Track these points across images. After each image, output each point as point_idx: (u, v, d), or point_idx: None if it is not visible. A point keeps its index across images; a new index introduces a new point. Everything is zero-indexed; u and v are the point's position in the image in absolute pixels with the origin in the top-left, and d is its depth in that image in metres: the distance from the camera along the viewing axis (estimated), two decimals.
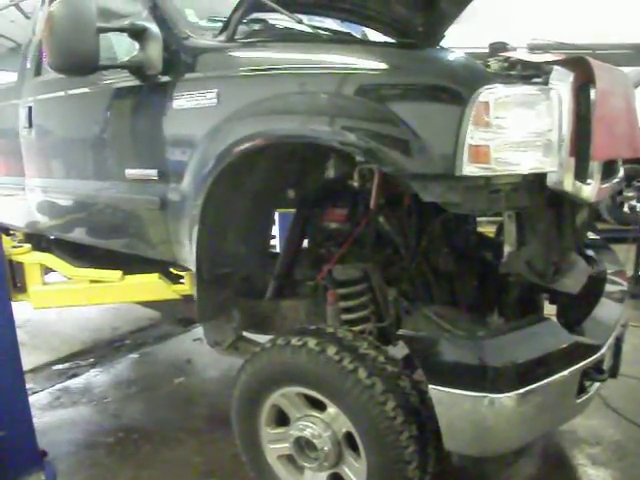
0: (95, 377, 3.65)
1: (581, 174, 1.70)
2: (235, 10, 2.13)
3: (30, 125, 2.99)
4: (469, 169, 1.56)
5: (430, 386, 1.73)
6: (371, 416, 1.83)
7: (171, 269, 2.51)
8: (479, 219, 2.84)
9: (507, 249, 1.95)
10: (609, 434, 2.78)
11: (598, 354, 1.87)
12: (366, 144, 1.69)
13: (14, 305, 2.58)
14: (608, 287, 2.33)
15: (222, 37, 2.19)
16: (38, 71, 3.05)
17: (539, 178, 1.67)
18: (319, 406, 2.02)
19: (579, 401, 1.89)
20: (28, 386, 3.23)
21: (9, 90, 3.24)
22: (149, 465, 2.67)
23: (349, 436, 1.96)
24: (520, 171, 1.62)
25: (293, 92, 1.86)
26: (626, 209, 7.24)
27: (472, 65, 1.65)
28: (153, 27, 2.19)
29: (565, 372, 1.76)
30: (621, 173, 2.33)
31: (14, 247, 3.04)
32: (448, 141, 1.57)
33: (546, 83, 1.62)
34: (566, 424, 2.72)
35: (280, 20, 2.47)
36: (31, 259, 2.99)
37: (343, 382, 1.87)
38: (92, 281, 2.83)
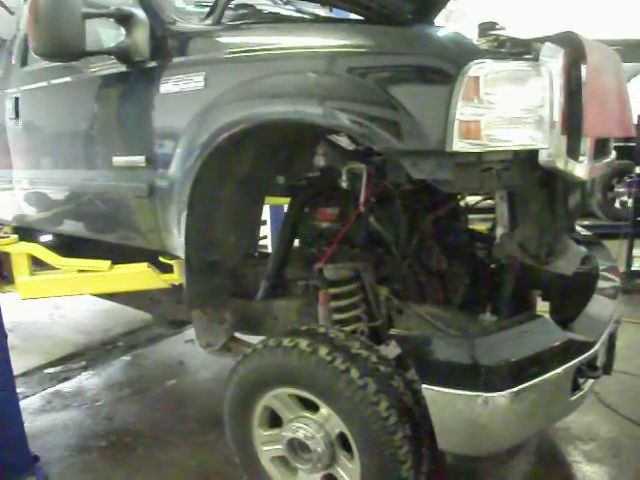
0: (87, 380, 3.62)
1: (573, 151, 1.68)
2: None
3: (17, 116, 2.95)
4: (460, 145, 1.55)
5: (423, 386, 1.72)
6: (364, 416, 1.82)
7: (160, 258, 2.48)
8: (471, 216, 2.84)
9: (500, 231, 1.94)
10: (604, 430, 2.78)
11: (591, 351, 1.87)
12: (355, 122, 1.67)
13: (3, 309, 2.55)
14: (601, 283, 2.33)
15: (208, 21, 2.18)
16: (24, 62, 3.01)
17: (531, 156, 1.65)
18: (312, 407, 2.01)
19: (573, 398, 1.88)
20: (19, 390, 3.22)
21: None
22: (142, 468, 2.65)
23: (342, 437, 1.95)
24: (511, 147, 1.61)
25: (281, 73, 1.85)
26: (617, 205, 7.27)
27: (462, 40, 1.64)
28: (139, 12, 2.17)
29: (559, 370, 1.75)
30: (613, 154, 2.31)
31: (0, 238, 3.00)
32: (438, 117, 1.55)
33: (536, 59, 1.61)
34: (561, 421, 2.73)
35: (267, 6, 2.45)
36: (18, 249, 2.95)
37: (335, 383, 1.85)
38: (80, 271, 2.79)
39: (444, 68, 1.56)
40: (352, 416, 1.86)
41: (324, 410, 1.95)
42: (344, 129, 1.77)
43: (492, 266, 2.60)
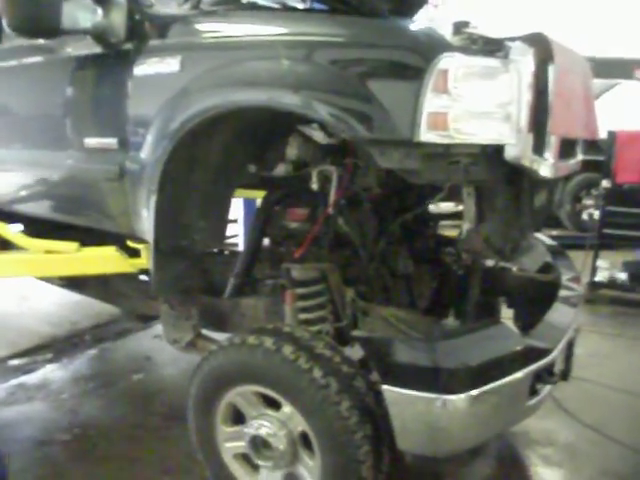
0: (52, 373, 3.58)
1: (539, 149, 1.73)
2: None
3: None
4: (427, 136, 1.59)
5: (384, 386, 1.75)
6: (325, 416, 1.84)
7: (128, 242, 2.47)
8: (442, 223, 2.89)
9: (466, 226, 1.99)
10: (562, 436, 2.84)
11: (549, 357, 1.92)
12: (327, 112, 1.70)
13: None
14: (563, 292, 2.38)
15: (186, 6, 2.19)
16: None
17: (497, 151, 1.69)
18: (275, 405, 2.02)
19: (531, 403, 1.93)
20: None
21: None
22: (104, 462, 2.64)
23: (304, 435, 1.97)
24: (478, 141, 1.66)
25: (256, 60, 1.87)
26: (585, 216, 7.45)
27: (433, 34, 1.69)
28: None
29: (517, 374, 1.80)
30: (579, 156, 2.36)
31: None
32: (407, 107, 1.59)
33: (506, 57, 1.66)
34: (520, 425, 2.79)
35: None
36: None
37: (298, 381, 1.87)
38: (47, 252, 2.77)
39: (415, 60, 1.61)
40: (314, 415, 1.88)
41: (287, 408, 1.97)
42: (316, 118, 1.79)
43: (459, 272, 2.66)
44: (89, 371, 3.63)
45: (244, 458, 2.17)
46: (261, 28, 1.96)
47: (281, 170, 2.38)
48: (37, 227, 3.05)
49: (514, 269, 2.67)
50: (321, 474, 1.93)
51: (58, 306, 4.75)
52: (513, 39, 1.70)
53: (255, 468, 2.15)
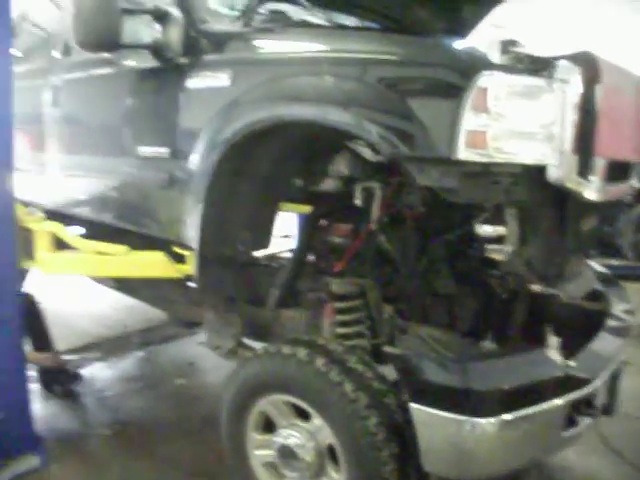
0: (99, 371, 3.69)
1: (584, 171, 1.68)
2: None
3: (55, 104, 3.08)
4: (465, 154, 1.58)
5: (411, 404, 1.73)
6: (353, 430, 1.84)
7: (175, 248, 2.54)
8: (489, 247, 2.83)
9: (508, 248, 1.95)
10: (605, 474, 2.72)
11: (588, 388, 1.85)
12: (371, 129, 1.71)
13: None
14: (610, 322, 2.30)
15: (239, 23, 2.25)
16: (66, 53, 3.13)
17: (540, 172, 1.66)
18: (305, 416, 2.03)
19: (567, 434, 1.87)
20: (34, 374, 3.31)
21: (35, 72, 3.35)
22: (139, 459, 2.71)
23: (331, 449, 1.97)
24: (520, 161, 1.63)
25: (302, 75, 1.91)
26: None
27: (475, 53, 1.69)
28: (175, 11, 2.26)
29: (551, 402, 1.75)
30: (634, 181, 2.27)
31: (27, 215, 3.11)
32: (446, 125, 1.59)
33: (551, 76, 1.63)
34: (562, 460, 2.69)
35: (298, 14, 2.51)
36: (42, 227, 3.05)
37: (328, 394, 1.88)
38: (98, 253, 2.87)
39: (454, 78, 1.61)
40: (341, 428, 1.88)
41: (316, 420, 1.98)
42: (362, 135, 1.79)
43: (503, 296, 2.60)
44: (134, 372, 3.74)
45: (272, 467, 2.18)
46: (309, 45, 2.00)
47: (330, 185, 2.41)
48: (97, 231, 3.19)
49: (561, 295, 2.59)
50: None
51: (113, 309, 4.89)
52: (559, 57, 1.67)
53: (282, 478, 2.16)
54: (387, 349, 1.89)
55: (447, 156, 1.59)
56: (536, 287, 2.49)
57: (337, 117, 1.78)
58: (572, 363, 1.96)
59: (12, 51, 2.54)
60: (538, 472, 2.68)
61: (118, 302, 4.76)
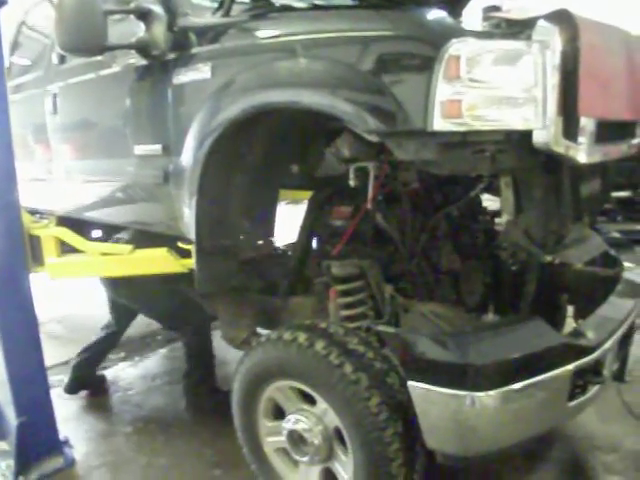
0: (123, 370, 3.77)
1: (571, 133, 1.62)
2: None
3: (55, 111, 3.12)
4: (441, 124, 1.53)
5: (409, 382, 1.72)
6: (355, 411, 1.84)
7: (179, 243, 2.57)
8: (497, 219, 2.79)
9: (505, 218, 1.91)
10: (628, 442, 2.65)
11: (593, 355, 1.82)
12: (346, 108, 1.69)
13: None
14: (621, 287, 2.25)
15: (218, 14, 2.24)
16: (62, 60, 3.17)
17: (527, 138, 1.59)
18: (312, 400, 2.04)
19: (572, 404, 1.83)
20: (58, 377, 3.40)
21: (35, 81, 3.41)
22: (162, 454, 2.76)
23: (339, 431, 1.97)
24: (502, 127, 1.57)
25: (277, 61, 1.90)
26: None
27: (445, 21, 1.63)
28: (157, 8, 2.26)
29: (552, 372, 1.72)
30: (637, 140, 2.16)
31: (33, 222, 3.21)
32: (420, 97, 1.55)
33: (529, 38, 1.57)
34: (583, 429, 2.66)
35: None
36: (47, 233, 3.13)
37: (329, 376, 1.88)
38: (103, 254, 2.94)
39: (425, 47, 1.57)
40: (344, 410, 1.88)
41: (322, 404, 1.98)
42: (337, 115, 1.76)
43: (513, 268, 2.56)
44: (157, 369, 3.80)
45: (284, 453, 2.20)
46: (283, 30, 1.98)
47: (331, 169, 2.40)
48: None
49: (575, 264, 2.54)
50: (354, 470, 1.93)
51: None
52: (536, 18, 1.61)
53: (296, 463, 2.17)
54: (381, 328, 1.87)
55: (423, 128, 1.55)
56: (547, 257, 2.45)
57: (309, 99, 1.77)
58: (578, 330, 1.94)
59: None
60: (562, 443, 2.66)
61: None
